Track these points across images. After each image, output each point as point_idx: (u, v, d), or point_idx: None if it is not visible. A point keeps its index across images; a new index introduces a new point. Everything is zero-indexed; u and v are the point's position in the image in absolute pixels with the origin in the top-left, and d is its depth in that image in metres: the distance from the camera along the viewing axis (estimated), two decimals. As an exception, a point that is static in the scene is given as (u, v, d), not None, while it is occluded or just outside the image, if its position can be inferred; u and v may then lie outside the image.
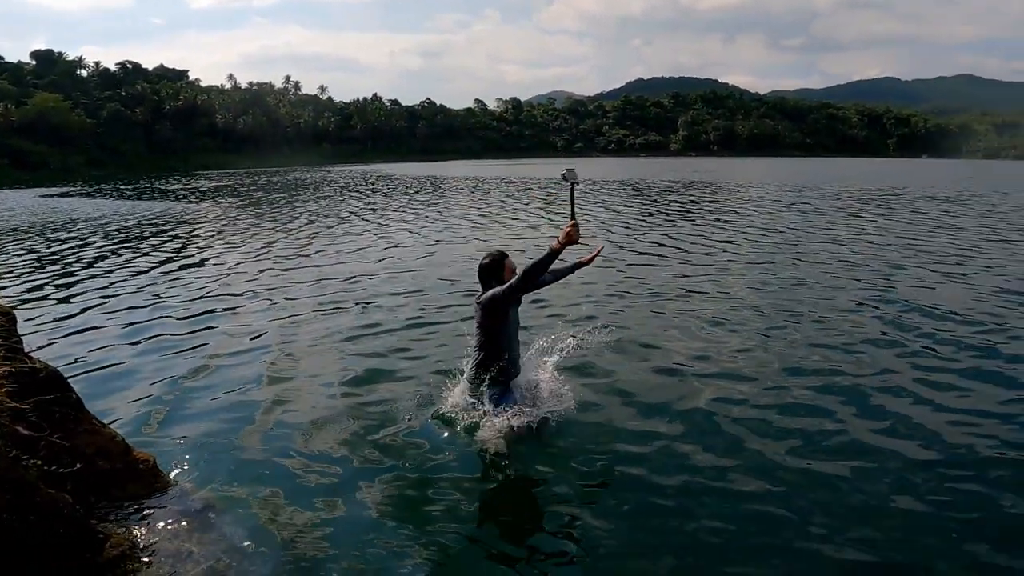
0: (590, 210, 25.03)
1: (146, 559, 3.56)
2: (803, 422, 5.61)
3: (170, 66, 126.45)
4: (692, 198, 30.41)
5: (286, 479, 4.78)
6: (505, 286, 5.01)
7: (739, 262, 13.72)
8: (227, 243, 17.23)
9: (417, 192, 35.24)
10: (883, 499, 4.46)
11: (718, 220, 21.77)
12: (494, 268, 5.22)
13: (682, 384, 6.50)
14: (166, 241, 17.75)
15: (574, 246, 4.91)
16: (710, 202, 28.66)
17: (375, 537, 4.06)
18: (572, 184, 5.28)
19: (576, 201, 5.45)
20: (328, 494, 4.57)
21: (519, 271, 5.02)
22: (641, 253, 15.08)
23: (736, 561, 3.85)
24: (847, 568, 3.79)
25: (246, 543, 3.94)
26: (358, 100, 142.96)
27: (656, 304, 10.03)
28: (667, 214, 23.54)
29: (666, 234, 17.97)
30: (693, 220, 21.70)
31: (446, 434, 5.41)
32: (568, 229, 4.78)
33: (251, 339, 8.42)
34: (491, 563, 3.86)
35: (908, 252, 14.72)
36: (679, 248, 15.63)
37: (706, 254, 14.76)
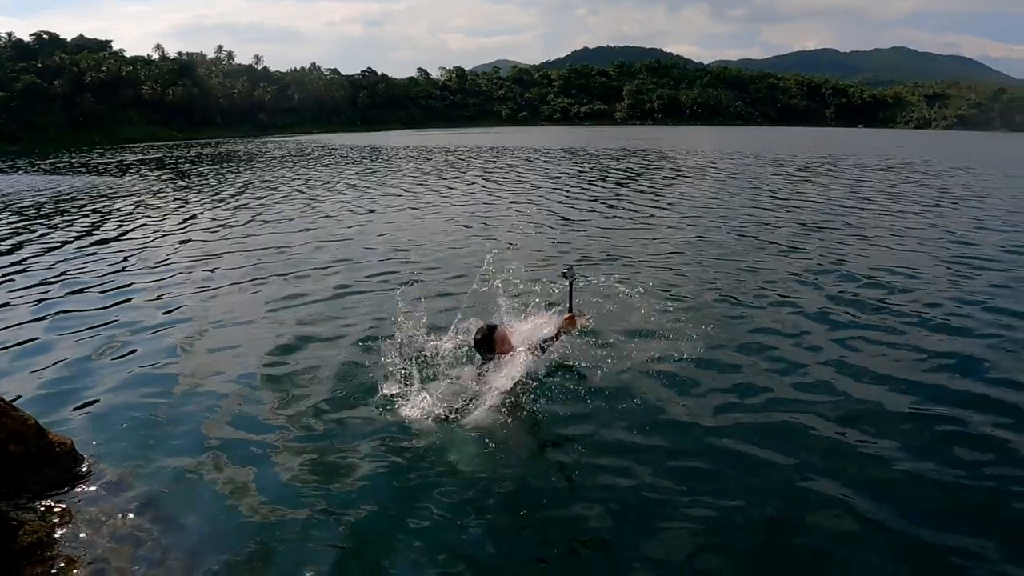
0: (528, 177, 25.17)
1: (64, 545, 3.54)
2: (729, 383, 5.77)
3: (91, 36, 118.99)
4: (634, 166, 30.82)
5: (204, 453, 4.77)
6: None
7: (677, 229, 14.05)
8: (149, 216, 16.63)
9: (355, 162, 34.58)
10: (798, 451, 4.71)
11: (658, 187, 22.17)
12: (485, 342, 5.46)
13: (613, 352, 6.50)
14: (83, 216, 16.99)
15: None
16: (651, 169, 29.11)
17: (294, 507, 4.08)
18: (571, 280, 5.74)
19: (573, 292, 5.79)
20: (246, 465, 4.59)
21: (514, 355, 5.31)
22: (580, 220, 15.25)
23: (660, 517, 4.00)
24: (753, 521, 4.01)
25: (167, 521, 3.94)
26: (296, 70, 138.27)
27: (594, 270, 10.13)
28: (608, 181, 23.82)
29: (604, 201, 18.23)
30: (634, 187, 22.02)
31: (368, 403, 5.44)
32: (566, 320, 5.43)
33: (168, 313, 8.26)
34: (393, 529, 3.88)
35: (839, 217, 15.40)
36: (619, 215, 15.91)
37: (646, 221, 15.05)
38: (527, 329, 5.82)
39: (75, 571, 3.38)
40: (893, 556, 3.63)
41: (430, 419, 5.03)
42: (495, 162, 33.33)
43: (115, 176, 28.86)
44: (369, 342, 6.85)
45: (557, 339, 5.67)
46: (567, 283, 5.75)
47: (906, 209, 16.79)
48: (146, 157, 41.04)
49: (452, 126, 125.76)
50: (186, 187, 23.68)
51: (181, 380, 6.11)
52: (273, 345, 6.91)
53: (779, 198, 19.01)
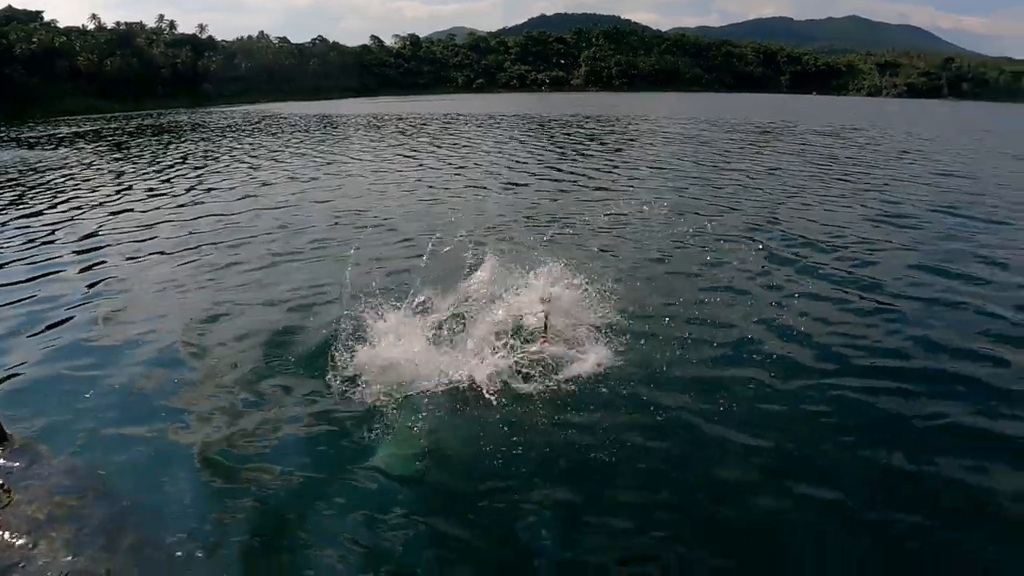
0: (481, 142, 24.96)
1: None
2: (669, 344, 5.83)
3: (20, 7, 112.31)
4: (587, 131, 30.78)
5: (121, 423, 4.72)
6: None
7: (623, 191, 14.20)
8: (81, 189, 16.01)
9: (303, 131, 33.73)
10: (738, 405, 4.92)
11: (609, 151, 22.28)
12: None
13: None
14: (9, 189, 16.25)
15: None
16: (604, 134, 29.12)
17: (210, 476, 4.08)
18: (547, 308, 5.77)
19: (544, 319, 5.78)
20: (174, 434, 4.56)
21: None
22: (528, 184, 15.25)
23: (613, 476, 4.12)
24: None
25: (99, 492, 3.91)
26: (243, 39, 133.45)
27: (542, 231, 10.21)
28: (560, 146, 23.79)
29: (554, 165, 18.24)
30: (585, 152, 22.08)
31: (303, 372, 5.41)
32: (540, 342, 5.51)
33: (95, 285, 8.08)
34: (312, 500, 3.88)
35: (789, 179, 15.75)
36: (567, 179, 15.96)
37: (592, 185, 15.14)
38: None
39: (9, 546, 3.34)
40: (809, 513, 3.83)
41: (366, 390, 4.97)
42: (447, 129, 32.93)
43: (47, 150, 27.61)
44: (304, 309, 6.83)
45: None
46: (543, 309, 5.77)
47: (847, 171, 17.31)
48: (82, 130, 39.26)
49: (407, 94, 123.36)
50: (122, 159, 22.80)
51: (106, 351, 6.02)
52: (204, 314, 6.84)
53: (728, 161, 19.33)
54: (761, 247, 9.25)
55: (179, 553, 3.44)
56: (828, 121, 41.15)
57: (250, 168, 19.12)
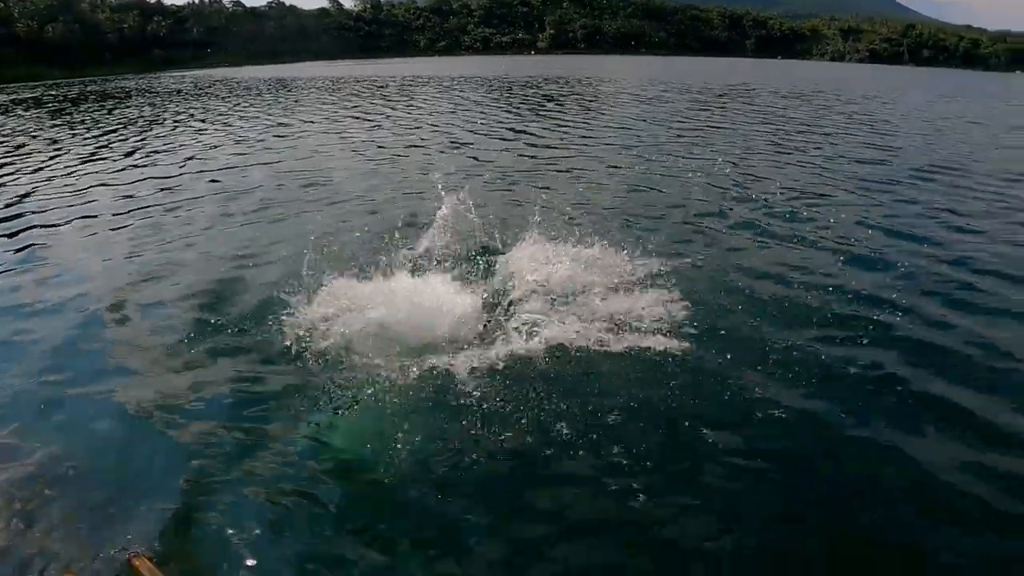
0: (437, 104, 24.53)
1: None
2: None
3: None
4: (549, 93, 30.44)
5: (53, 385, 4.66)
6: None
7: (589, 149, 14.19)
8: (13, 155, 15.33)
9: (256, 95, 32.67)
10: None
11: (570, 113, 22.10)
12: None
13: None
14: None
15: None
16: (566, 96, 28.84)
17: (141, 435, 4.03)
18: None
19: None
20: (95, 397, 4.49)
21: None
22: (482, 145, 15.06)
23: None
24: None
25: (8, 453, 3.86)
26: (194, 2, 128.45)
27: (504, 186, 10.25)
28: (520, 108, 23.50)
29: (511, 127, 18.04)
30: (545, 113, 21.90)
31: (237, 332, 5.33)
32: None
33: (20, 251, 7.86)
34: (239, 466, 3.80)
35: (747, 140, 15.85)
36: (525, 139, 15.84)
37: (560, 143, 15.11)
38: None
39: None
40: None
41: (310, 352, 4.85)
42: (403, 92, 32.25)
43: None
44: (241, 270, 6.70)
45: None
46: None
47: (798, 130, 17.45)
48: (20, 97, 37.59)
49: (368, 58, 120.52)
50: (60, 125, 21.88)
51: (35, 314, 5.89)
52: (138, 275, 6.74)
53: (687, 121, 19.31)
54: (724, 208, 9.29)
55: (109, 511, 3.39)
56: (787, 85, 41.37)
57: (195, 132, 18.55)
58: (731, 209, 9.02)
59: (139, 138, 17.49)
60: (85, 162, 13.85)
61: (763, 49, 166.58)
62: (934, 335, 5.31)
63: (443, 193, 6.68)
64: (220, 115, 23.09)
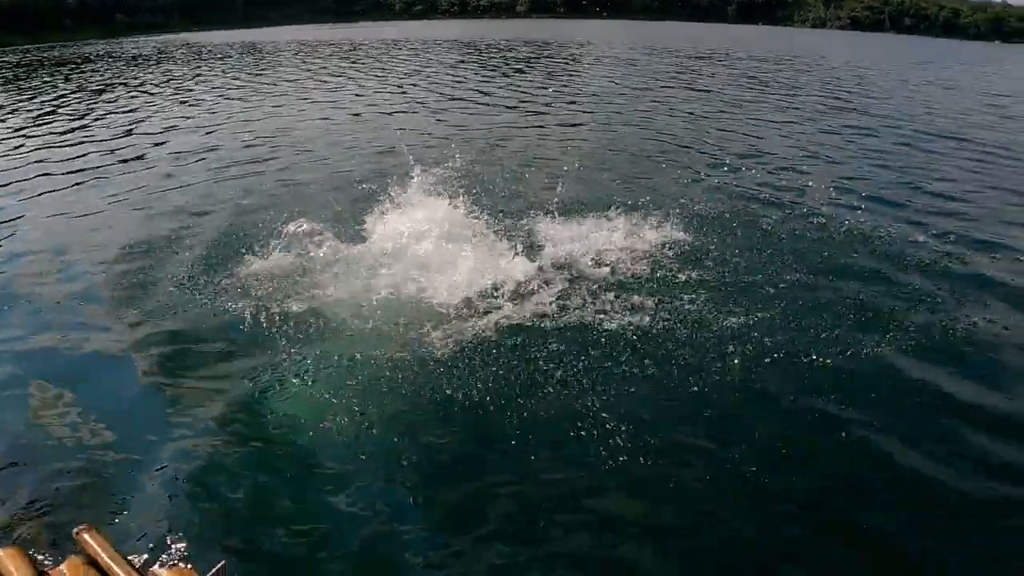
0: (418, 70, 23.93)
1: None
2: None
3: None
4: (528, 56, 29.94)
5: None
6: None
7: (562, 110, 14.15)
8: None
9: (222, 60, 31.67)
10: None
11: (547, 76, 21.93)
12: None
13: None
14: None
15: None
16: (543, 60, 28.35)
17: (101, 414, 3.91)
18: None
19: None
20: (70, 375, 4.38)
21: None
22: (448, 108, 14.86)
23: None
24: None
25: None
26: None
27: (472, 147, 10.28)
28: (495, 71, 23.13)
29: (482, 89, 17.74)
30: (521, 76, 21.65)
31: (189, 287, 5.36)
32: None
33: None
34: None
35: (717, 103, 15.73)
36: (494, 102, 15.66)
37: (533, 106, 14.97)
38: None
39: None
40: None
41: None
42: (377, 56, 31.47)
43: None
44: (191, 228, 6.74)
45: None
46: None
47: (770, 93, 17.35)
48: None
49: (341, 21, 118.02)
50: (9, 91, 21.07)
51: None
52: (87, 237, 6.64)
53: (660, 83, 19.05)
54: (697, 170, 9.34)
55: (54, 485, 3.35)
56: (764, 49, 41.15)
57: (149, 98, 18.00)
58: (728, 170, 9.12)
59: (89, 105, 16.91)
60: (30, 128, 13.37)
61: (744, 15, 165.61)
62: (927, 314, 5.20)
63: (412, 160, 6.77)
64: (181, 81, 22.46)
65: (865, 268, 5.87)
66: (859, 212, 7.34)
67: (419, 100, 16.07)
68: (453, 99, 16.29)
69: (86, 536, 2.73)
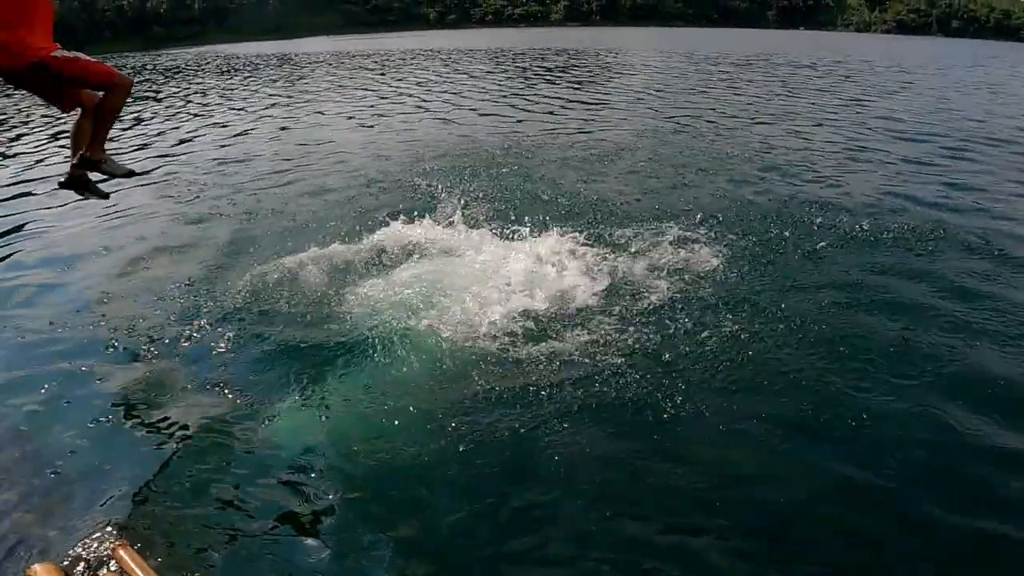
0: (451, 78, 24.13)
1: None
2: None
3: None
4: (562, 64, 29.92)
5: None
6: None
7: (603, 123, 13.86)
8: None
9: (255, 71, 32.31)
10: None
11: (583, 85, 21.74)
12: None
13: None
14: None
15: None
16: (579, 69, 28.27)
17: (140, 428, 3.90)
18: None
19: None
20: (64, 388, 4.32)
21: None
22: (504, 114, 14.98)
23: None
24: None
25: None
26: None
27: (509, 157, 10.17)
28: (533, 80, 23.01)
29: (524, 96, 17.64)
30: (561, 84, 21.56)
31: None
32: None
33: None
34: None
35: (759, 112, 15.41)
36: (540, 111, 15.56)
37: (569, 117, 14.78)
38: None
39: None
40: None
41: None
42: (409, 65, 31.81)
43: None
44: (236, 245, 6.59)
45: None
46: None
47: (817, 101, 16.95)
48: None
49: (375, 31, 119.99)
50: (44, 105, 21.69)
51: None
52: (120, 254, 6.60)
53: (704, 94, 18.84)
54: (742, 174, 9.19)
55: (93, 500, 3.30)
56: (806, 55, 40.58)
57: (176, 113, 18.23)
58: (764, 182, 8.81)
59: (136, 112, 17.33)
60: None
61: (785, 19, 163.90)
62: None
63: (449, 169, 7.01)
64: (208, 96, 22.81)
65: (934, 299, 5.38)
66: (921, 232, 6.82)
67: (454, 110, 16.06)
68: (492, 105, 16.36)
69: (121, 553, 2.72)
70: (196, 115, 17.12)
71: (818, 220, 7.01)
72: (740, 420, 3.77)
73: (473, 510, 3.21)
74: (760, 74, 25.66)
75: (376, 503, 3.27)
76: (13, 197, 9.33)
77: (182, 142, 13.20)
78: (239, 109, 17.84)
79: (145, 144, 13.17)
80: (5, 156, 12.47)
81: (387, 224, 6.46)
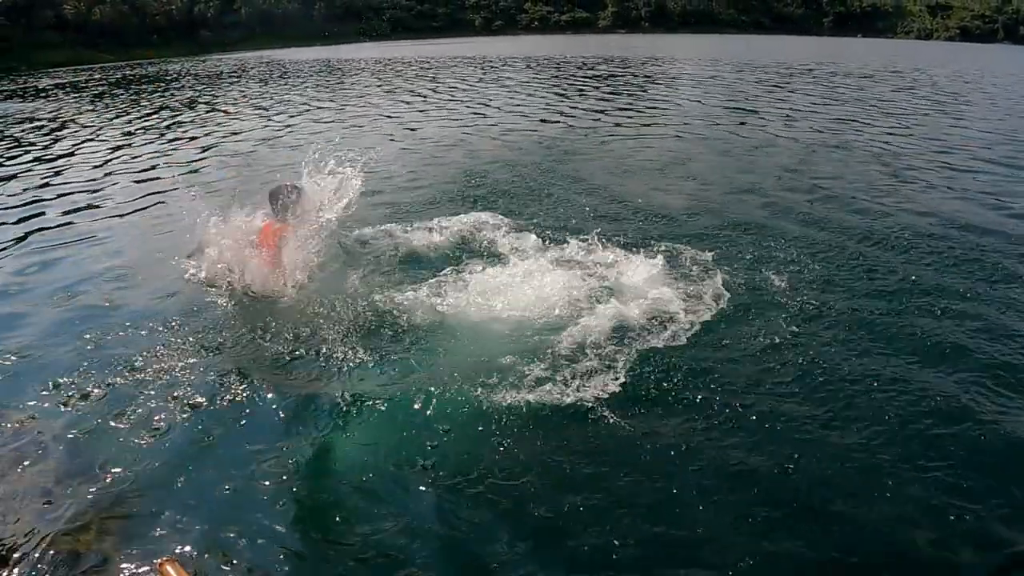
0: (505, 84, 24.12)
1: None
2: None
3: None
4: (612, 73, 29.64)
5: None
6: None
7: (647, 135, 13.69)
8: (39, 141, 15.62)
9: (292, 76, 32.85)
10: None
11: (627, 94, 21.43)
12: None
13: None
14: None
15: None
16: (625, 78, 27.96)
17: (183, 441, 3.90)
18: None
19: None
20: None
21: None
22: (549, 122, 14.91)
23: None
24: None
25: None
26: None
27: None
28: (577, 89, 22.79)
29: (561, 110, 17.41)
30: (608, 93, 21.32)
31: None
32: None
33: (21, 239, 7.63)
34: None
35: (808, 125, 14.95)
36: (575, 121, 15.42)
37: (611, 126, 14.70)
38: None
39: None
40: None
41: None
42: (454, 73, 31.92)
43: (22, 101, 27.39)
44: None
45: None
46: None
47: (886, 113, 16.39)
48: (63, 81, 38.96)
49: (420, 37, 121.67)
50: (92, 110, 22.39)
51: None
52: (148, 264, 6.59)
53: (753, 105, 18.37)
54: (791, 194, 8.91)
55: (138, 513, 3.38)
56: (864, 64, 39.54)
57: (226, 117, 18.66)
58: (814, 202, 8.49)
59: (161, 125, 17.66)
60: (117, 148, 14.07)
61: (841, 26, 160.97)
62: None
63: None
64: (253, 100, 23.30)
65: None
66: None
67: (497, 118, 16.05)
68: (533, 120, 16.13)
69: (168, 568, 2.76)
70: (223, 121, 17.34)
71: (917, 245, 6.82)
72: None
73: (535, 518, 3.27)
74: (818, 85, 24.98)
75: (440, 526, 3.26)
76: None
77: (212, 145, 13.38)
78: (283, 115, 18.09)
79: (173, 147, 13.32)
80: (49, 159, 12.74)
81: (437, 228, 6.94)
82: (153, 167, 11.74)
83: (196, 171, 11.17)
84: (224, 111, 19.98)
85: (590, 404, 3.96)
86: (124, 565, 3.03)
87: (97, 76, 42.10)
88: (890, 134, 13.60)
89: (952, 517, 3.22)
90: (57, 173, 11.64)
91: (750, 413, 3.95)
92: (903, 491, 3.40)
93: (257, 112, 19.40)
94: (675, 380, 4.26)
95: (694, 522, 3.22)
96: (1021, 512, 3.26)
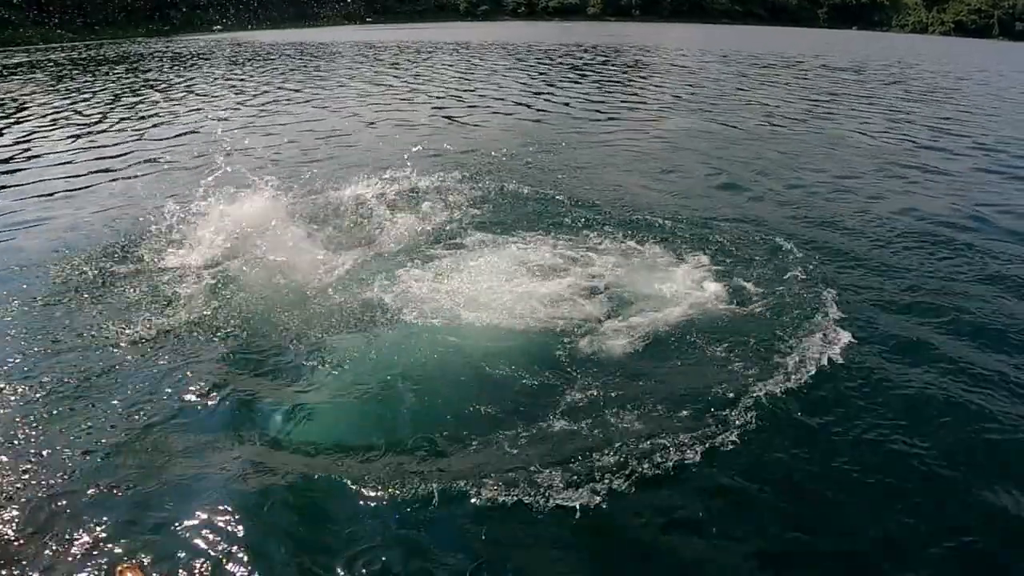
0: (490, 75, 22.79)
1: None
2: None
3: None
4: (602, 62, 28.66)
5: None
6: None
7: (631, 127, 13.50)
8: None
9: (273, 60, 31.21)
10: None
11: (621, 83, 21.05)
12: None
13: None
14: None
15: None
16: (619, 66, 26.96)
17: (133, 443, 3.86)
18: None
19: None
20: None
21: None
22: (538, 111, 14.82)
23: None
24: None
25: None
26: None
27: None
28: (570, 77, 22.07)
29: (538, 100, 16.70)
30: (595, 83, 20.90)
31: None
32: None
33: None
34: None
35: (791, 118, 14.96)
36: (574, 109, 15.26)
37: (610, 116, 14.58)
38: None
39: None
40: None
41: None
42: (428, 59, 30.55)
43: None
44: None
45: None
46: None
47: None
48: (21, 61, 37.10)
49: (402, 21, 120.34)
50: (50, 92, 20.96)
51: None
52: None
53: (740, 100, 17.92)
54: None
55: (93, 519, 3.32)
56: (862, 56, 39.40)
57: (194, 101, 17.68)
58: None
59: (132, 104, 16.98)
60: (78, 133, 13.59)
61: (837, 19, 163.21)
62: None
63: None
64: (234, 80, 22.51)
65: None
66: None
67: (484, 106, 15.57)
68: (527, 105, 15.63)
69: (130, 574, 2.87)
70: (193, 106, 16.01)
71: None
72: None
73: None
74: (815, 78, 24.57)
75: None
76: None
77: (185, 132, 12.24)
78: (235, 102, 17.24)
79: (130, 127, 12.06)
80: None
81: (405, 217, 7.07)
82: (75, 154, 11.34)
83: (149, 158, 11.05)
84: (196, 93, 18.89)
85: (568, 405, 4.09)
86: (84, 573, 3.01)
87: (53, 56, 40.12)
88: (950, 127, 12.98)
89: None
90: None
91: (749, 412, 4.07)
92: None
93: (204, 97, 18.27)
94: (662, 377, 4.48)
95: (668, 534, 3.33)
96: None
